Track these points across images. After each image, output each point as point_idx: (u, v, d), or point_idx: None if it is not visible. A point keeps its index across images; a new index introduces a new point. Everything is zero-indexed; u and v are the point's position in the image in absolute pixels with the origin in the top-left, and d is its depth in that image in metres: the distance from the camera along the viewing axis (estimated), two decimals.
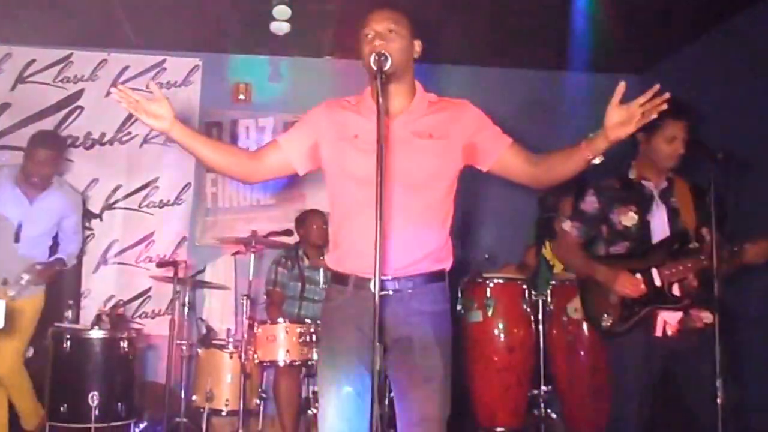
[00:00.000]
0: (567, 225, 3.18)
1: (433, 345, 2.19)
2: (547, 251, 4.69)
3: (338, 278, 2.31)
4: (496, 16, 4.99)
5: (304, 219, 4.94)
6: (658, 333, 2.95)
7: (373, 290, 1.99)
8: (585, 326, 4.07)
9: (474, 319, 4.30)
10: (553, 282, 4.34)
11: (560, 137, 5.51)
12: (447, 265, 2.30)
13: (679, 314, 2.95)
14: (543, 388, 4.19)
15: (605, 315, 3.02)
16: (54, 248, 4.31)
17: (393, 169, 2.14)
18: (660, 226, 3.02)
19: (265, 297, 4.87)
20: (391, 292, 2.19)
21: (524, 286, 4.32)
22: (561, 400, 4.25)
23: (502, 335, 4.25)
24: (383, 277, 2.11)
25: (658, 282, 2.94)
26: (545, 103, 5.89)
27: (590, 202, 3.12)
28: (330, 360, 2.27)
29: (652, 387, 2.99)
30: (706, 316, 2.91)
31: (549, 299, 4.29)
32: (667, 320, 2.95)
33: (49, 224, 4.25)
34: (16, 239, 4.11)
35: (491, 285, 4.29)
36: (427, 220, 2.23)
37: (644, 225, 2.99)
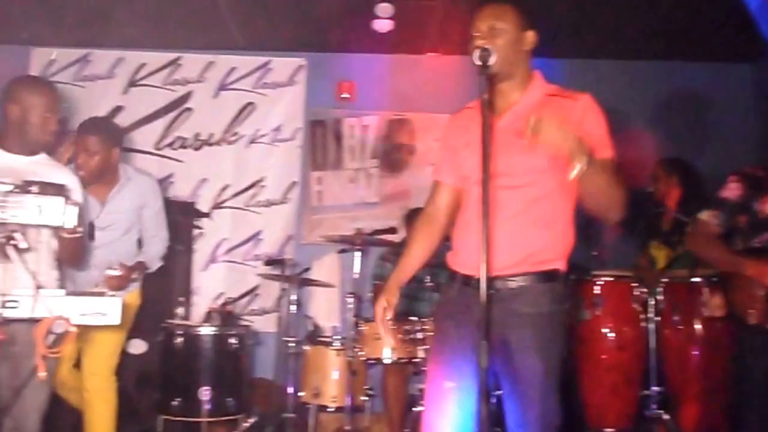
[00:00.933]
0: (705, 215, 3.04)
1: (531, 348, 2.15)
2: (653, 248, 4.50)
3: (450, 276, 2.36)
4: (602, 6, 4.81)
5: (412, 217, 4.88)
6: None
7: (475, 288, 2.05)
8: (697, 325, 3.91)
9: (582, 318, 4.17)
10: (665, 279, 4.14)
11: (712, 133, 5.39)
12: (556, 265, 2.24)
13: None
14: (654, 388, 4.01)
15: (751, 310, 2.83)
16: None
17: (495, 168, 2.08)
18: None
19: (370, 294, 4.87)
20: (492, 291, 2.10)
21: (634, 284, 4.14)
22: (673, 401, 4.05)
23: (610, 334, 4.10)
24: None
25: None
26: (642, 96, 5.64)
27: (733, 189, 2.98)
28: (435, 355, 2.32)
29: None
30: None
31: (660, 297, 4.09)
32: None
33: (127, 223, 3.74)
34: (91, 238, 3.60)
35: (599, 283, 4.14)
36: (530, 220, 2.19)
37: None
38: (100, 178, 3.59)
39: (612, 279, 4.18)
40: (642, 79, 5.74)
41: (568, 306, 4.16)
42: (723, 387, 3.95)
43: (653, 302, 4.08)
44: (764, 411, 2.79)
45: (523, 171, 2.19)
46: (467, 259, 2.26)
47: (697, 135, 5.65)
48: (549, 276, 2.22)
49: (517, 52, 2.24)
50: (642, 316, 4.08)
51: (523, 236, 2.19)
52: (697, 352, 3.93)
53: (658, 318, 4.07)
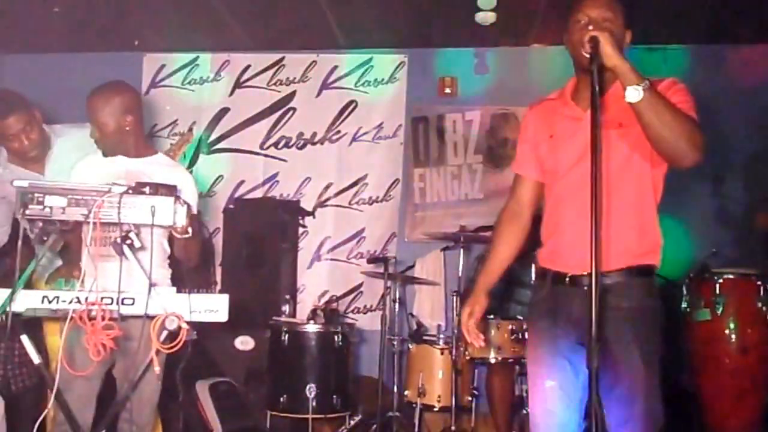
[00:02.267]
0: None
1: (631, 343, 2.10)
2: None
3: (540, 274, 2.34)
4: None
5: None
6: None
7: (569, 286, 2.18)
8: None
9: (701, 318, 3.98)
10: None
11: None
12: (650, 260, 2.21)
13: None
14: None
15: None
16: None
17: (587, 165, 2.01)
18: None
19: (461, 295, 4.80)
20: (586, 288, 2.06)
21: (759, 282, 3.92)
22: None
23: (733, 335, 3.90)
24: (579, 273, 2.15)
25: None
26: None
27: None
28: (533, 354, 2.31)
29: None
30: None
31: None
32: None
33: None
34: None
35: (720, 281, 3.94)
36: (622, 214, 2.14)
37: None
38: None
39: (734, 276, 3.97)
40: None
41: (685, 305, 4.03)
42: None
43: None
44: None
45: (610, 164, 2.12)
46: (560, 255, 2.25)
47: None
48: (643, 271, 2.19)
49: (621, 48, 2.13)
50: None
51: (615, 231, 2.13)
52: None
53: None
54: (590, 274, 2.04)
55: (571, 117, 2.26)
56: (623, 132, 2.15)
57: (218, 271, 5.43)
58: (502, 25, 5.11)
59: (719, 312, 3.90)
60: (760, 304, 3.89)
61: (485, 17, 4.98)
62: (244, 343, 4.63)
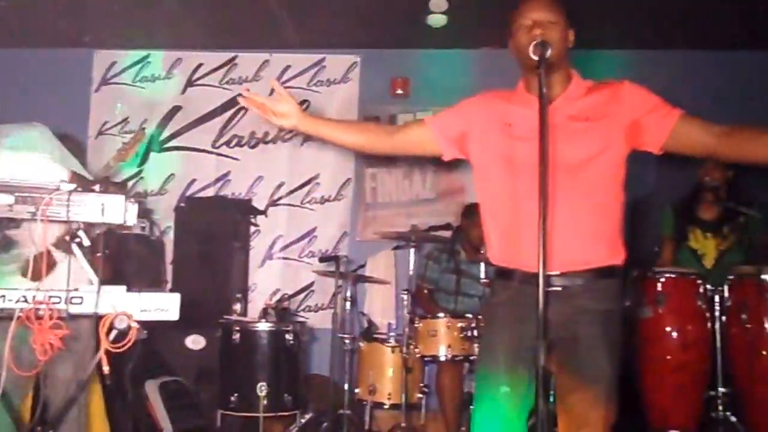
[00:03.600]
0: None
1: (601, 345, 2.09)
2: (693, 241, 4.36)
3: (503, 274, 2.25)
4: None
5: (473, 212, 4.83)
6: None
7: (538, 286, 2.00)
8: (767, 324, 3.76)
9: (644, 316, 4.05)
10: (731, 276, 4.00)
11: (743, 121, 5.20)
12: (618, 260, 2.19)
13: None
14: (721, 389, 3.90)
15: None
16: None
17: (551, 156, 2.01)
18: None
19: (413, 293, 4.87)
20: (559, 289, 2.09)
21: (699, 281, 4.01)
22: (742, 403, 3.91)
23: (674, 332, 3.98)
24: (551, 273, 2.05)
25: None
26: (698, 87, 5.48)
27: None
28: (489, 357, 2.23)
29: None
30: None
31: (726, 294, 3.96)
32: None
33: None
34: None
35: (662, 279, 4.03)
36: (592, 210, 2.12)
37: None
38: None
39: (676, 275, 4.06)
40: (701, 69, 5.59)
41: (628, 303, 4.13)
42: None
43: (719, 300, 3.96)
44: None
45: (579, 157, 2.13)
46: (525, 255, 2.13)
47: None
48: (610, 272, 2.18)
49: (565, 48, 2.20)
50: (708, 315, 3.97)
51: (588, 228, 2.14)
52: (766, 352, 3.76)
53: (725, 316, 3.95)
54: (562, 275, 2.10)
55: (532, 110, 2.11)
56: (590, 125, 2.15)
57: (169, 269, 5.40)
58: (454, 28, 5.18)
59: (661, 310, 3.97)
60: (699, 302, 3.97)
61: (437, 20, 5.05)
62: (195, 342, 4.61)
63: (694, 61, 5.57)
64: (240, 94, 2.36)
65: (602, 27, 4.95)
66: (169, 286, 5.23)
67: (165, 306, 2.21)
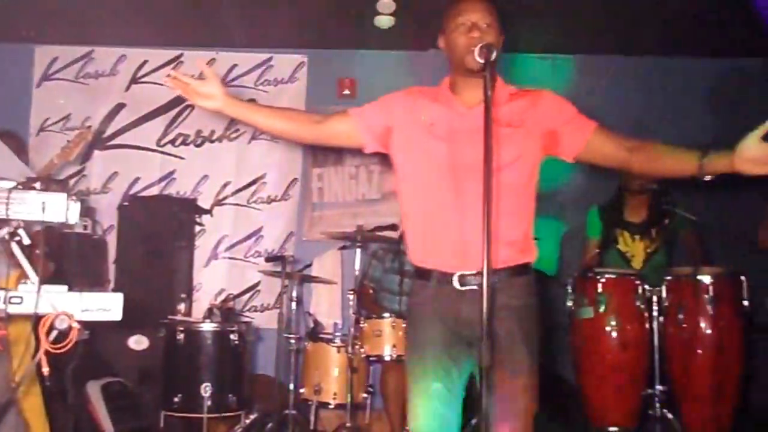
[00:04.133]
0: None
1: (519, 340, 2.14)
2: (622, 243, 4.48)
3: (421, 274, 2.28)
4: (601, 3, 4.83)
5: None
6: None
7: (456, 286, 2.15)
8: (702, 323, 3.93)
9: (585, 316, 4.14)
10: (669, 277, 4.13)
11: (675, 126, 5.39)
12: (531, 258, 2.27)
13: None
14: (658, 387, 4.00)
15: None
16: None
17: (471, 159, 2.06)
18: None
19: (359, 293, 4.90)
20: (476, 287, 2.12)
21: (638, 282, 4.11)
22: (678, 400, 4.04)
23: (614, 332, 4.06)
24: (467, 272, 2.14)
25: None
26: (647, 92, 5.65)
27: None
28: (418, 356, 2.26)
29: None
30: None
31: (664, 295, 4.08)
32: None
33: None
34: None
35: (603, 280, 4.11)
36: (506, 212, 2.16)
37: None
38: None
39: (616, 276, 4.15)
40: (652, 75, 5.76)
41: (570, 304, 4.22)
42: (729, 387, 3.96)
43: (657, 300, 4.06)
44: None
45: (496, 165, 2.11)
46: (443, 255, 2.22)
47: (701, 133, 5.66)
48: (525, 269, 2.25)
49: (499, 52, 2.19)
50: (646, 315, 4.06)
51: (503, 228, 2.14)
52: (701, 351, 3.93)
53: (662, 316, 4.06)
54: (478, 274, 2.08)
55: (455, 111, 2.25)
56: (510, 132, 2.18)
57: (112, 269, 5.31)
58: (401, 30, 5.22)
59: (601, 310, 4.05)
60: (638, 303, 4.05)
61: (384, 21, 5.08)
62: (137, 342, 4.55)
63: (625, 66, 5.72)
64: (168, 75, 2.32)
65: (533, 31, 5.07)
66: (111, 285, 5.15)
67: (107, 306, 2.19)
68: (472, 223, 2.06)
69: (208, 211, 5.65)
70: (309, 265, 5.41)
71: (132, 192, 5.63)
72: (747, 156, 1.95)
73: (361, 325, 4.30)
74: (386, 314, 4.36)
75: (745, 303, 4.00)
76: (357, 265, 4.45)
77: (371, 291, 4.79)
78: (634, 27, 5.22)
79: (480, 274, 2.09)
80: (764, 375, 4.87)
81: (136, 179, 5.67)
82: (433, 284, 2.23)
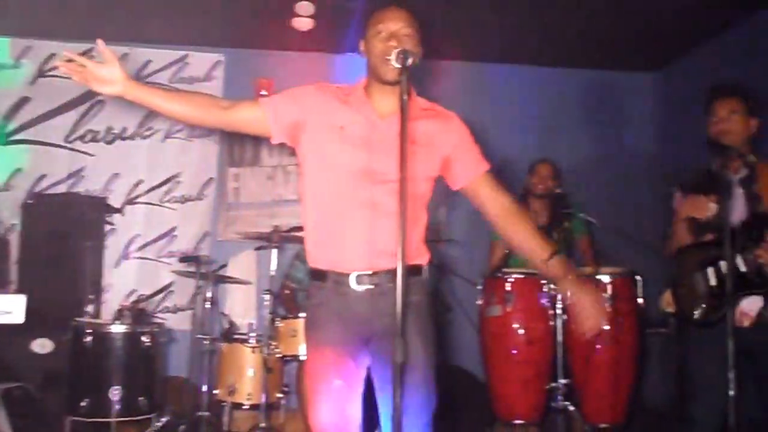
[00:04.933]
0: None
1: (414, 335, 2.18)
2: None
3: (317, 275, 2.32)
4: (509, 12, 4.94)
5: None
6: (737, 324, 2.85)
7: (353, 286, 2.21)
8: (601, 320, 4.08)
9: (494, 314, 4.29)
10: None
11: (562, 137, 5.63)
12: (424, 260, 2.35)
13: (758, 302, 2.87)
14: (561, 381, 4.14)
15: (695, 306, 2.95)
16: None
17: (377, 168, 2.16)
18: (740, 214, 2.94)
19: (286, 292, 4.91)
20: (372, 287, 2.23)
21: (543, 281, 4.28)
22: (579, 393, 4.23)
23: (520, 329, 4.23)
24: (362, 272, 2.22)
25: (743, 268, 2.84)
26: (562, 102, 5.87)
27: (677, 198, 3.14)
28: (318, 355, 2.28)
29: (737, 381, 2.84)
30: None
31: (567, 294, 4.24)
32: (744, 310, 2.88)
33: None
34: None
35: (510, 280, 4.27)
36: (407, 218, 2.18)
37: (725, 213, 2.87)
38: None
39: (522, 276, 4.30)
40: (547, 85, 5.96)
41: (480, 302, 4.34)
42: (625, 379, 4.20)
43: (560, 298, 4.19)
44: (709, 402, 2.85)
45: (395, 177, 2.13)
46: (339, 257, 2.26)
47: (596, 141, 5.93)
48: (420, 270, 2.33)
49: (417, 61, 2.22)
50: (550, 312, 4.21)
51: (392, 237, 2.16)
52: (600, 346, 4.14)
53: (565, 314, 4.18)
54: (374, 274, 2.22)
55: (366, 117, 2.27)
56: (415, 149, 2.20)
57: (14, 269, 5.11)
58: (319, 32, 5.24)
59: (509, 308, 4.21)
60: (543, 301, 4.22)
61: (302, 23, 5.09)
62: (42, 345, 4.40)
63: (508, 75, 5.93)
64: (62, 60, 2.23)
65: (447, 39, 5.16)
66: (13, 287, 4.96)
67: (9, 308, 2.14)
68: (375, 227, 2.17)
69: (119, 210, 5.52)
70: (224, 266, 5.36)
71: (37, 189, 5.44)
72: (578, 308, 2.28)
73: (277, 325, 4.29)
74: (302, 314, 4.36)
75: (640, 301, 4.25)
76: (273, 266, 4.44)
77: (289, 291, 4.80)
78: (518, 36, 5.41)
79: (376, 274, 2.23)
80: (655, 368, 5.17)
81: (42, 176, 5.47)
82: (330, 285, 2.27)
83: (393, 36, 2.20)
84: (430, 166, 2.31)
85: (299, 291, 4.79)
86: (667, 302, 3.12)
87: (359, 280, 2.24)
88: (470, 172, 2.36)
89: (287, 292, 4.79)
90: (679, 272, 3.04)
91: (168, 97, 2.28)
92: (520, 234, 2.34)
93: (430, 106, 2.38)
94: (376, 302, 2.23)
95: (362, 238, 2.22)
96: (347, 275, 2.24)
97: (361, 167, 2.23)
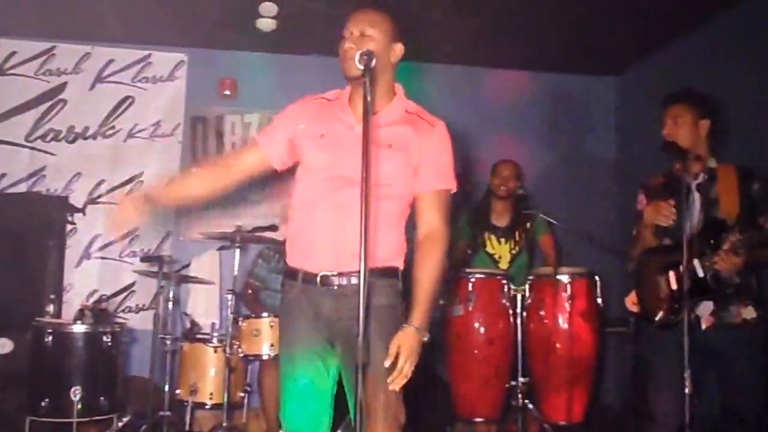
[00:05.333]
0: (635, 230, 3.24)
1: (377, 339, 2.19)
2: (489, 246, 4.71)
3: (290, 273, 2.37)
4: (470, 14, 5.01)
5: None
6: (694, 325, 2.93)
7: (319, 285, 2.24)
8: (561, 319, 4.22)
9: (456, 313, 4.35)
10: (531, 277, 4.41)
11: (525, 139, 5.73)
12: (397, 263, 2.34)
13: (710, 306, 2.93)
14: (521, 379, 4.22)
15: (657, 308, 3.02)
16: None
17: (352, 171, 2.15)
18: (697, 219, 3.00)
19: (249, 292, 4.91)
20: (335, 288, 2.25)
21: (504, 282, 4.36)
22: (538, 391, 4.31)
23: (482, 328, 4.29)
24: (328, 273, 2.26)
25: (700, 273, 2.90)
26: (522, 104, 5.97)
27: (641, 201, 3.20)
28: (287, 352, 2.33)
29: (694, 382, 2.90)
30: (747, 311, 2.89)
31: (527, 294, 4.34)
32: (701, 313, 2.94)
33: None
34: None
35: (473, 280, 4.33)
36: (378, 223, 2.24)
37: (682, 218, 2.94)
38: None
39: (483, 276, 4.37)
40: (507, 87, 6.04)
41: (442, 302, 4.39)
42: (583, 377, 4.27)
43: (521, 298, 4.30)
44: (669, 400, 2.87)
45: (376, 175, 2.21)
46: (311, 256, 2.29)
47: (557, 144, 6.04)
48: (391, 272, 2.31)
49: (383, 61, 2.24)
50: (511, 312, 4.29)
51: (372, 236, 2.18)
52: (560, 345, 4.22)
53: (526, 313, 4.30)
54: (339, 274, 2.24)
55: (345, 123, 2.31)
56: (390, 153, 2.25)
57: None
58: (283, 33, 5.27)
59: (471, 307, 4.27)
60: (504, 300, 4.30)
61: (266, 24, 5.11)
62: (2, 345, 4.36)
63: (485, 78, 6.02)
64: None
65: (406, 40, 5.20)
66: None
67: None
68: (345, 229, 2.18)
69: (81, 210, 5.48)
70: (187, 266, 5.35)
71: None
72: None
73: (240, 325, 4.31)
74: (265, 314, 4.39)
75: (599, 300, 4.32)
76: (236, 266, 4.46)
77: (251, 291, 4.81)
78: (479, 39, 5.48)
79: (342, 275, 2.25)
80: (613, 367, 5.28)
81: (3, 175, 5.42)
82: (299, 283, 2.31)
83: (350, 39, 2.25)
84: (403, 169, 2.30)
85: (262, 290, 4.81)
86: (632, 302, 3.19)
87: (324, 280, 2.26)
88: (422, 185, 2.32)
89: (250, 291, 4.81)
90: (643, 274, 3.11)
91: (186, 187, 2.50)
92: (423, 266, 2.26)
93: (417, 111, 2.38)
94: (340, 303, 2.24)
95: (331, 240, 2.24)
96: (315, 275, 2.27)
97: (336, 172, 2.26)
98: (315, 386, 2.27)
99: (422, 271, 2.25)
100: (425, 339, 2.19)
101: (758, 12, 4.49)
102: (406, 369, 2.12)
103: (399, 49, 2.32)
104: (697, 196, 3.02)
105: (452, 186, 2.36)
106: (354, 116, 2.31)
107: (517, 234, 4.67)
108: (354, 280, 2.21)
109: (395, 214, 2.33)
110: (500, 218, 4.70)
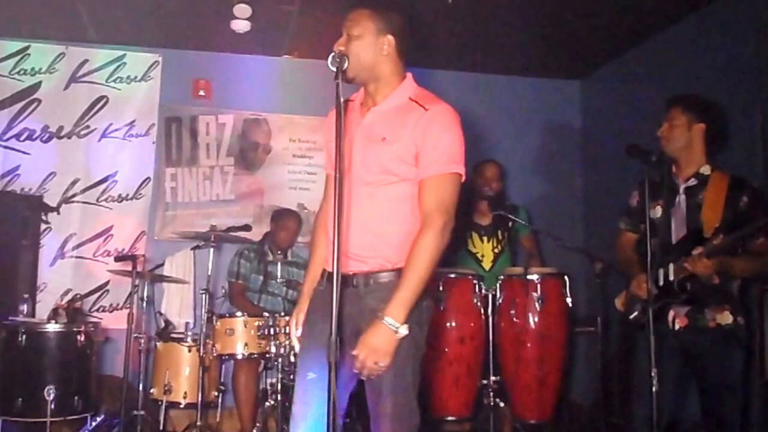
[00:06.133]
0: (621, 223, 3.32)
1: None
2: (472, 245, 4.77)
3: (323, 274, 2.40)
4: (450, 19, 5.07)
5: (278, 217, 5.04)
6: (670, 326, 3.00)
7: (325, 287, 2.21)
8: (531, 319, 4.26)
9: None
10: (502, 276, 4.45)
11: (497, 141, 5.81)
12: (402, 263, 2.25)
13: (686, 308, 2.98)
14: (492, 378, 4.27)
15: (633, 308, 3.12)
16: None
17: (351, 168, 2.19)
18: (680, 222, 3.04)
19: (223, 290, 4.94)
20: (354, 288, 2.25)
21: (475, 281, 4.39)
22: (508, 389, 4.35)
23: (453, 328, 4.32)
24: (348, 273, 2.23)
25: (671, 277, 2.96)
26: (484, 107, 6.04)
27: (634, 196, 3.25)
28: (303, 346, 2.37)
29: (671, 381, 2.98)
30: (722, 316, 2.92)
31: (498, 293, 4.39)
32: (677, 314, 3.00)
33: None
34: None
35: (443, 279, 4.35)
36: (383, 219, 2.24)
37: (667, 220, 3.00)
38: None
39: (455, 276, 4.40)
40: (478, 91, 6.11)
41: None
42: (553, 376, 4.32)
43: (490, 297, 4.34)
44: (645, 398, 2.86)
45: (377, 170, 2.23)
46: (328, 255, 2.27)
47: (526, 145, 6.13)
48: (398, 274, 2.22)
49: (374, 56, 2.26)
50: (482, 311, 4.33)
51: (376, 234, 2.23)
52: (530, 344, 4.26)
53: (497, 313, 4.34)
54: (357, 275, 2.24)
55: (354, 121, 2.32)
56: (382, 146, 2.23)
57: None
58: (256, 35, 5.29)
59: (442, 307, 4.28)
60: (475, 300, 4.34)
61: (240, 25, 5.13)
62: None
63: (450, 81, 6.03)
64: None
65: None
66: None
67: None
68: (348, 227, 2.20)
69: (55, 209, 5.47)
70: (161, 265, 5.36)
71: None
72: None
73: (214, 324, 4.34)
74: (239, 313, 4.44)
75: (568, 300, 4.37)
76: (210, 265, 4.49)
77: (239, 289, 4.87)
78: (461, 44, 5.56)
79: (357, 275, 2.25)
80: (582, 365, 5.37)
81: None
82: (324, 282, 2.35)
83: (343, 40, 2.27)
84: (401, 161, 2.23)
85: (248, 290, 4.85)
86: (621, 302, 3.27)
87: (345, 279, 2.21)
88: (420, 171, 2.23)
89: (238, 292, 4.84)
90: (631, 276, 3.18)
91: (318, 264, 2.45)
92: (409, 254, 2.19)
93: (419, 96, 2.30)
94: (352, 305, 2.23)
95: (350, 239, 2.24)
96: (332, 275, 2.21)
97: (346, 172, 2.23)
98: (320, 381, 2.20)
99: (407, 260, 2.17)
100: (399, 333, 2.11)
101: (720, 16, 4.60)
102: (369, 364, 2.12)
103: (390, 40, 2.28)
104: (683, 198, 3.06)
105: (452, 169, 2.23)
106: (360, 113, 2.34)
107: (499, 233, 4.73)
108: (362, 281, 2.24)
109: (400, 211, 2.26)
110: (483, 217, 4.75)
